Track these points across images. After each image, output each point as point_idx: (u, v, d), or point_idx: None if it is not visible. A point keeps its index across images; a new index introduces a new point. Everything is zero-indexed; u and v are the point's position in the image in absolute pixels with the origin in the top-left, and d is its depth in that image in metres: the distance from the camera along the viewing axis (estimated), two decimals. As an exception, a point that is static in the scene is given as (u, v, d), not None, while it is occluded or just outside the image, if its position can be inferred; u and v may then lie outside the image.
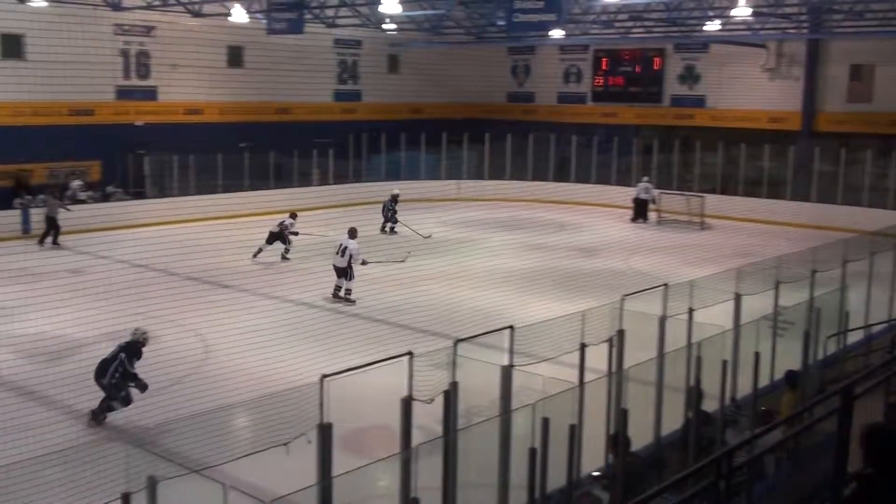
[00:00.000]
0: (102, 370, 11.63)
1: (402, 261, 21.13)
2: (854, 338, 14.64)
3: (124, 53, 27.90)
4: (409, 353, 8.03)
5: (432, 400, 8.21)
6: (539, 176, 33.81)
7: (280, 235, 21.89)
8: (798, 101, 31.41)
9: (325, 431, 7.29)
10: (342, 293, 18.14)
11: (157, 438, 7.69)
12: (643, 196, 29.71)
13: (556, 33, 27.73)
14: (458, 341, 8.64)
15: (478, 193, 33.07)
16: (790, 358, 12.63)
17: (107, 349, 11.99)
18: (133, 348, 11.77)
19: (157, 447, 7.26)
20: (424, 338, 12.78)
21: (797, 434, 7.64)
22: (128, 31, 27.80)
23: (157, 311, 15.20)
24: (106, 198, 26.93)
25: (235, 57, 30.74)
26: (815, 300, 13.21)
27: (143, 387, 11.58)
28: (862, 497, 4.76)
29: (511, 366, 9.06)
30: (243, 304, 17.10)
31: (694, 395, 10.28)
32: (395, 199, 26.74)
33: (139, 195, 27.50)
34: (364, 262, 18.39)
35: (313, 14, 26.03)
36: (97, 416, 11.55)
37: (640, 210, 29.81)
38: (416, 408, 8.25)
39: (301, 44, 27.80)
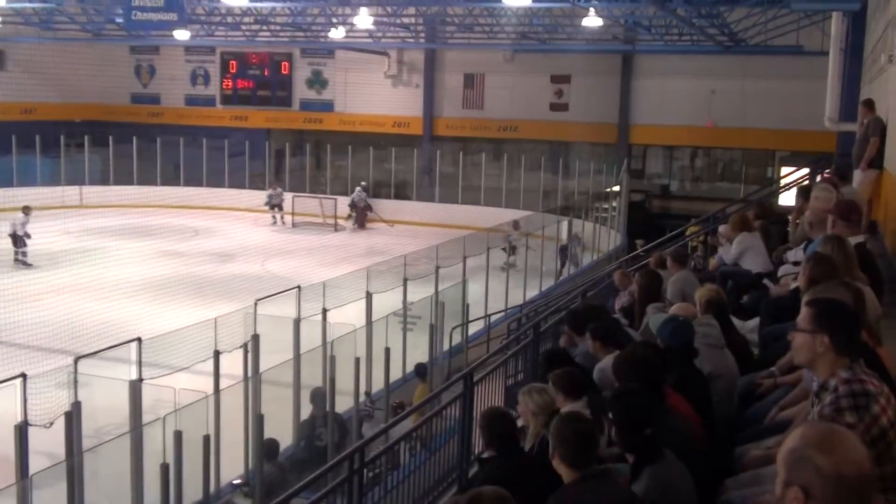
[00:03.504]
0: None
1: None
2: (475, 328, 15.80)
3: None
4: (23, 375, 7.39)
5: (51, 423, 7.62)
6: (168, 181, 32.62)
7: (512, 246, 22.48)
8: (419, 107, 33.23)
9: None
10: None
11: None
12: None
13: (181, 34, 26.90)
14: (78, 358, 8.10)
15: (103, 200, 31.16)
16: (420, 351, 13.34)
17: None
18: None
19: None
20: (44, 357, 11.79)
21: (427, 421, 8.06)
22: None
23: None
24: None
25: None
26: (439, 294, 14.06)
27: None
28: (486, 478, 5.04)
29: (140, 379, 8.67)
30: None
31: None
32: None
33: None
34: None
35: None
36: None
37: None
38: (37, 433, 7.61)
39: None
